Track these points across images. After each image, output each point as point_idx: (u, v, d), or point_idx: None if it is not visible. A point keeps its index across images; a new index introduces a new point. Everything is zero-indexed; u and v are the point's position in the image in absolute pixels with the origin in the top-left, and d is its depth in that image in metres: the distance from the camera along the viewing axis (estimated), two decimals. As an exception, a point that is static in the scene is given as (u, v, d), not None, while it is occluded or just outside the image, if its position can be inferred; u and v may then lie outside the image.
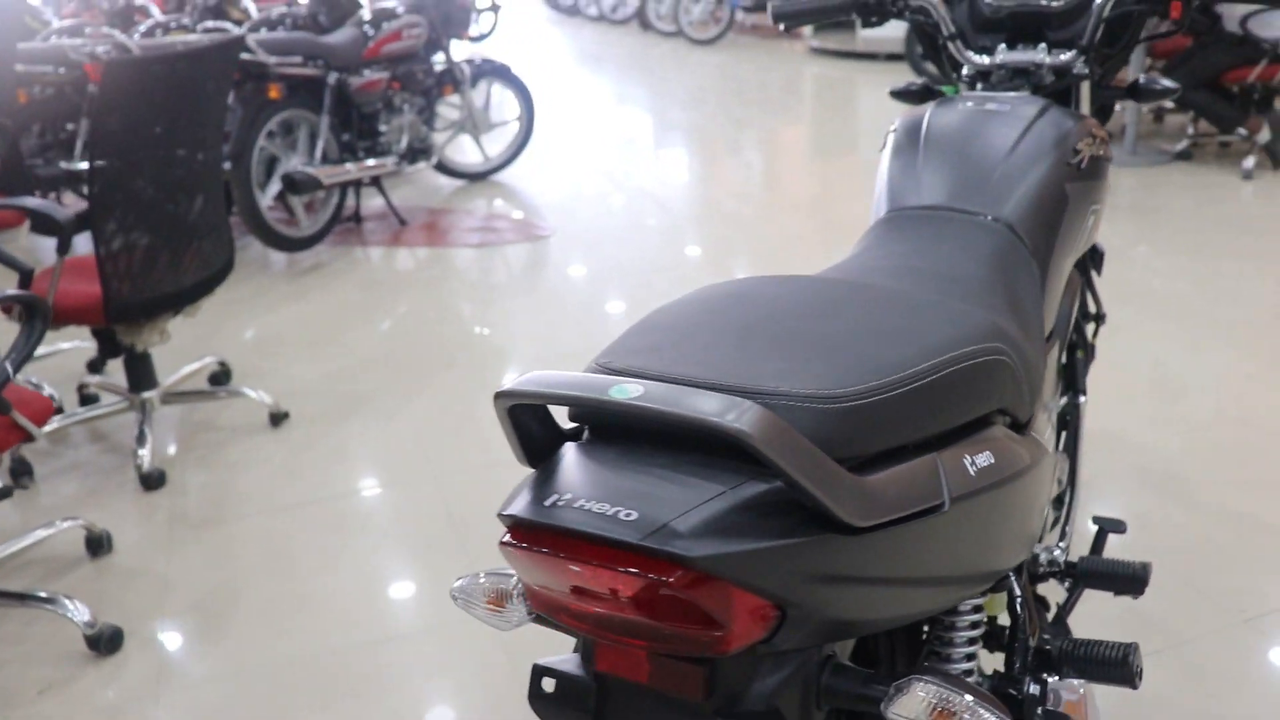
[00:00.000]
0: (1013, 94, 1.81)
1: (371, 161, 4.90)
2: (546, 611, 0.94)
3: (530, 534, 0.89)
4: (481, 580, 1.07)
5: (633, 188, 5.73)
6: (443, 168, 5.88)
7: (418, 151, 5.32)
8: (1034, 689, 1.30)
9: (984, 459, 1.06)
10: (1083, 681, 1.37)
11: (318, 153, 4.71)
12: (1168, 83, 1.99)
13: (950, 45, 1.98)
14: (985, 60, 1.96)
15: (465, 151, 6.16)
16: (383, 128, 5.09)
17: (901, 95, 2.22)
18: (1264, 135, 5.47)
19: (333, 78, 4.75)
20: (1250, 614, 2.26)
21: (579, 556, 0.85)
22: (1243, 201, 5.03)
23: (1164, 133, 6.45)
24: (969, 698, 0.90)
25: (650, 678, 0.94)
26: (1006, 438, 1.13)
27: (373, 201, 5.66)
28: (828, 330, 1.04)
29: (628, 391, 0.86)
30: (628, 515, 0.86)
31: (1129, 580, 1.47)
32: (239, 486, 2.92)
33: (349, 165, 4.76)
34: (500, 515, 0.92)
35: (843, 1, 2.00)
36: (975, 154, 1.63)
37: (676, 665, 0.92)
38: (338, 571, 2.52)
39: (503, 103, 6.35)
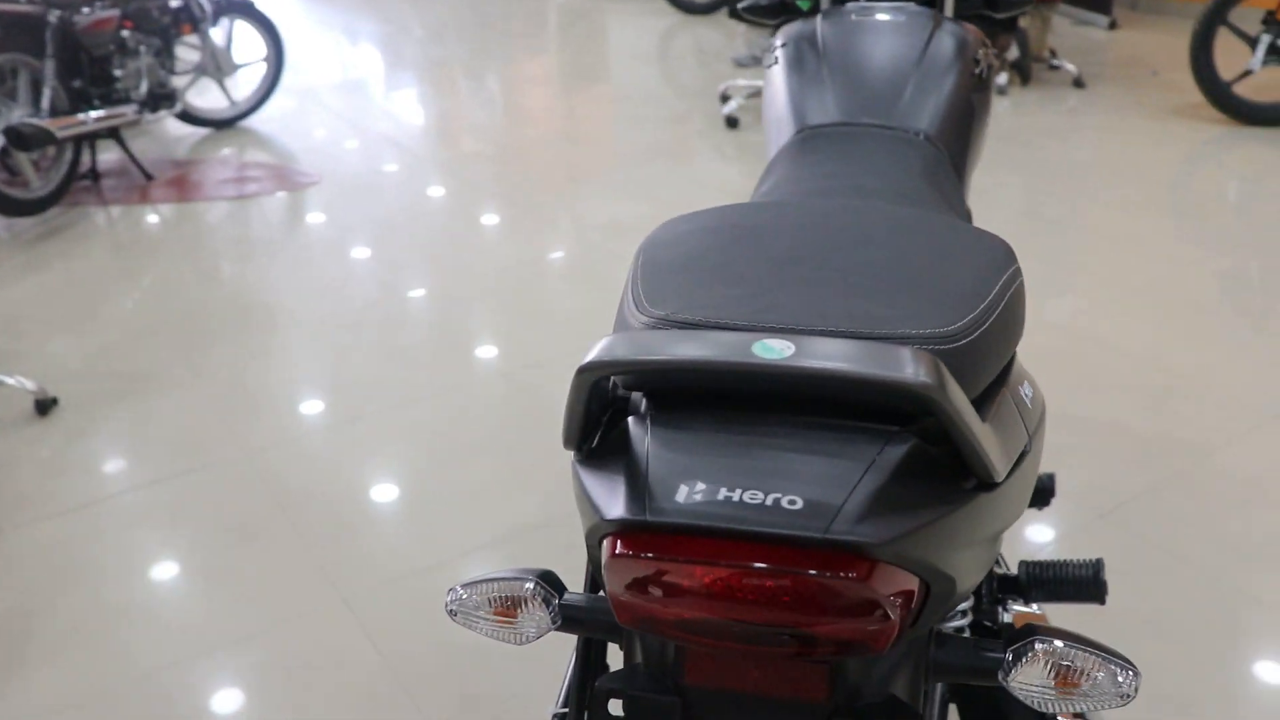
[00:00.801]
0: (898, 3, 1.75)
1: (107, 111, 4.37)
2: (642, 624, 0.77)
3: (653, 539, 0.73)
4: (485, 588, 0.88)
5: (395, 128, 5.41)
6: (186, 116, 5.34)
7: (159, 98, 4.79)
8: (1007, 617, 1.25)
9: (1027, 389, 0.97)
10: (1040, 606, 1.33)
11: (44, 103, 4.15)
12: None
13: None
14: None
15: (209, 97, 5.62)
16: (117, 72, 4.54)
17: (753, 11, 2.12)
18: (1013, 52, 5.73)
19: (54, 15, 4.18)
20: (1105, 509, 2.33)
21: (735, 558, 0.70)
22: (997, 115, 5.26)
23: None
24: (1093, 652, 0.80)
25: (760, 684, 0.80)
26: (1022, 365, 1.05)
27: (108, 155, 5.09)
28: (882, 260, 0.93)
29: (776, 350, 0.71)
30: (791, 503, 0.72)
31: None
32: (9, 490, 2.52)
33: (84, 115, 4.22)
34: (607, 521, 0.75)
35: None
36: (882, 67, 1.57)
37: (794, 666, 0.78)
38: (153, 575, 2.21)
39: (248, 42, 5.83)
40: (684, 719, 0.83)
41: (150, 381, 3.00)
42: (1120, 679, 0.80)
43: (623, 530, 0.74)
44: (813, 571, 0.70)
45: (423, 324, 3.26)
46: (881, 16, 1.69)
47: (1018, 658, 0.81)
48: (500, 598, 0.89)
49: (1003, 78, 5.66)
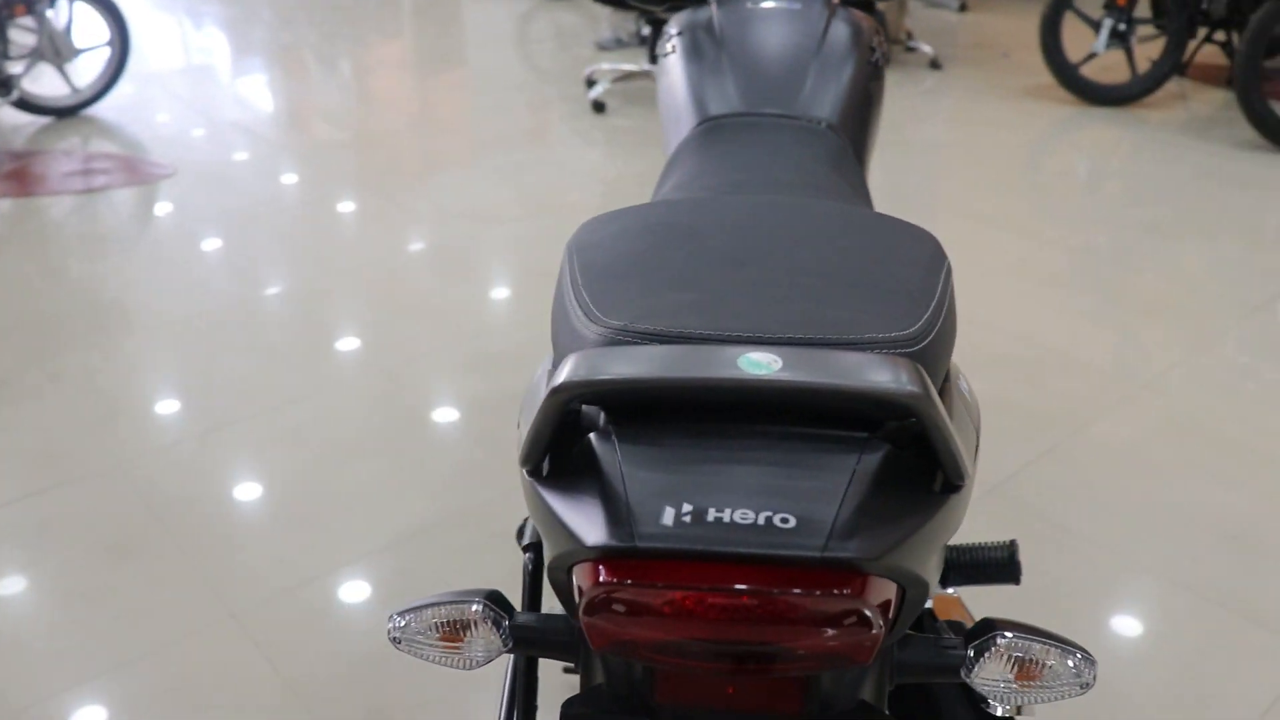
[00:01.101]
0: None
1: (-65, 100, 4.07)
2: (617, 648, 0.74)
3: (641, 566, 0.70)
4: (429, 613, 0.83)
5: (248, 116, 5.20)
6: (24, 104, 5.02)
7: (-8, 85, 4.49)
8: (929, 604, 1.26)
9: (965, 384, 0.97)
10: (955, 589, 1.35)
11: None
12: None
13: None
14: None
15: (48, 83, 5.30)
16: (-55, 58, 4.24)
17: None
18: (870, 34, 5.85)
19: None
20: (992, 484, 2.40)
21: (726, 581, 0.68)
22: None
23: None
24: (1051, 644, 0.80)
25: (733, 700, 0.78)
26: None
27: (-65, 149, 4.75)
28: (823, 259, 0.91)
29: (764, 365, 0.70)
30: (784, 521, 0.70)
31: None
32: None
33: (-91, 105, 3.92)
34: (588, 547, 0.71)
35: None
36: (782, 56, 1.57)
37: (769, 680, 0.76)
38: (20, 601, 2.07)
39: (90, 25, 5.52)
40: None
41: (2, 390, 2.81)
42: (1078, 668, 0.80)
43: (605, 557, 0.71)
44: (808, 591, 0.68)
45: (291, 321, 3.15)
46: (778, 4, 1.69)
47: (979, 654, 0.82)
48: (445, 622, 0.84)
49: (863, 60, 5.76)
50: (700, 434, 0.77)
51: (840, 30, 1.63)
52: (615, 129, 4.87)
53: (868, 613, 0.70)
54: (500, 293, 3.27)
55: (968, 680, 0.81)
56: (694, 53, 1.62)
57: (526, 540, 1.38)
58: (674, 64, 1.67)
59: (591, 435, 0.80)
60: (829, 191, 1.27)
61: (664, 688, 0.80)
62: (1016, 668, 0.80)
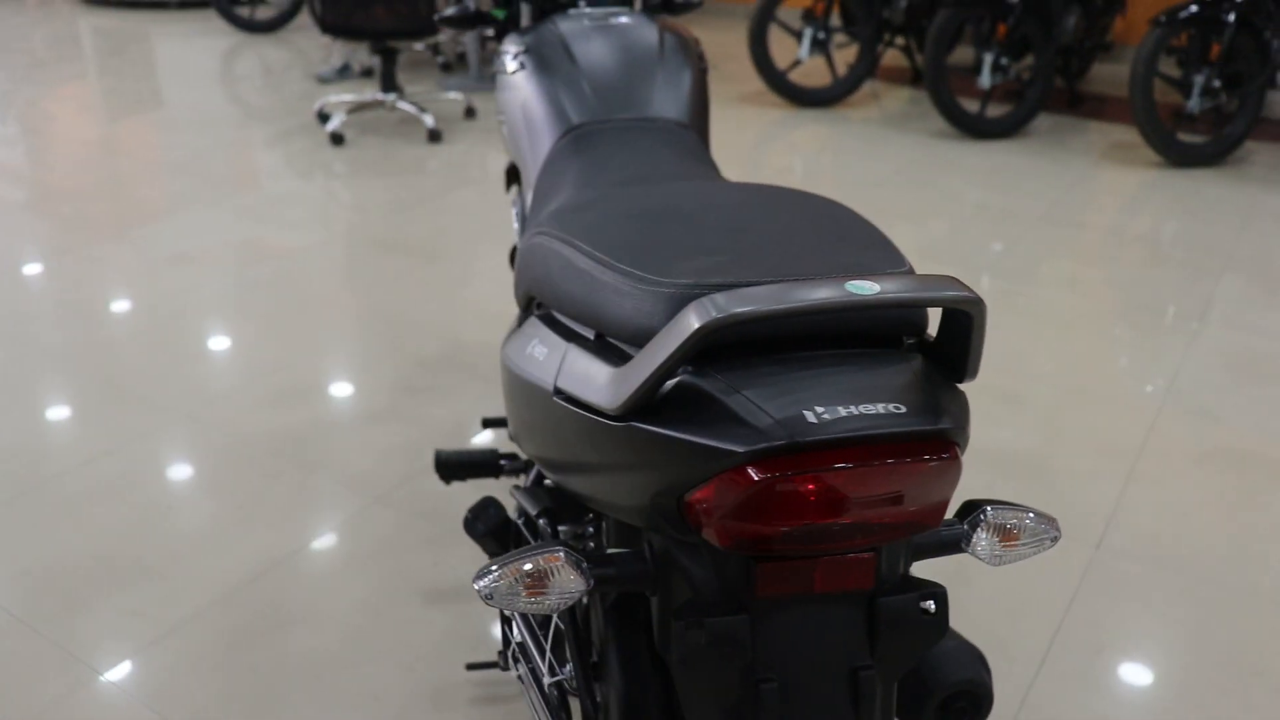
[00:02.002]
0: (614, 9, 1.89)
1: None
2: (746, 545, 0.85)
3: (802, 458, 0.81)
4: (514, 567, 0.91)
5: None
6: None
7: None
8: None
9: None
10: None
11: None
12: None
13: None
14: None
15: None
16: None
17: (454, 21, 2.16)
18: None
19: None
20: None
21: (873, 460, 0.81)
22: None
23: (486, 56, 6.84)
24: (1023, 510, 0.98)
25: (820, 583, 0.89)
26: None
27: None
28: (796, 224, 1.06)
29: (867, 288, 0.81)
30: (897, 409, 0.83)
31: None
32: None
33: None
34: (748, 451, 0.80)
35: None
36: (632, 66, 1.71)
37: (848, 560, 0.89)
38: None
39: None
40: (751, 634, 0.90)
41: None
42: (1045, 527, 0.99)
43: (760, 458, 0.80)
44: (936, 457, 0.83)
45: (73, 379, 2.94)
46: (616, 21, 1.83)
47: (973, 527, 1.00)
48: (532, 572, 0.92)
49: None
50: (785, 359, 0.89)
51: (673, 42, 1.79)
52: (359, 160, 4.81)
53: (953, 478, 0.85)
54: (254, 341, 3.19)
55: (970, 551, 0.98)
56: (547, 68, 1.72)
57: (487, 527, 1.43)
58: (524, 80, 1.75)
59: (682, 376, 0.88)
60: (706, 178, 1.42)
61: (764, 583, 0.89)
62: (1000, 534, 0.98)
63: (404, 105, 5.12)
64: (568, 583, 0.93)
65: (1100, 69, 6.96)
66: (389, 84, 5.17)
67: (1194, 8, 4.77)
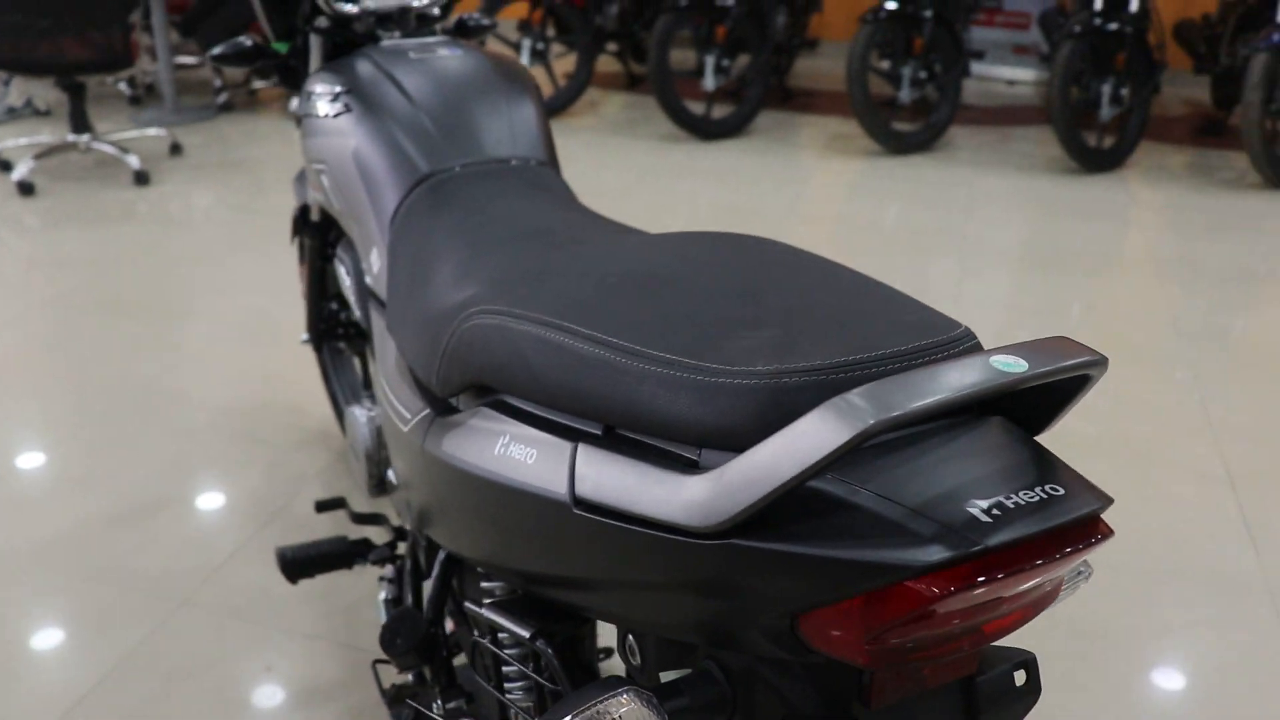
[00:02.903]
0: (430, 39, 1.74)
1: None
2: (893, 659, 0.74)
3: (976, 566, 0.70)
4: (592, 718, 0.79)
5: None
6: None
7: None
8: None
9: None
10: None
11: None
12: (485, 20, 2.05)
13: None
14: (353, 8, 1.80)
15: None
16: None
17: (229, 58, 1.92)
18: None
19: None
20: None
21: (1046, 555, 0.72)
22: (294, 139, 5.21)
23: (194, 88, 6.31)
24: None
25: (931, 680, 0.81)
26: None
27: None
28: (812, 284, 0.96)
29: (1013, 364, 0.73)
30: (1054, 490, 0.75)
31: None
32: None
33: None
34: (921, 565, 0.69)
35: None
36: (477, 102, 1.57)
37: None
38: None
39: None
40: None
41: None
42: (1081, 566, 0.96)
43: (937, 569, 0.69)
44: (1094, 540, 0.74)
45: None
46: (441, 53, 1.66)
47: None
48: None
49: (294, 103, 5.61)
50: (909, 440, 0.78)
51: (507, 73, 1.64)
52: (56, 211, 4.27)
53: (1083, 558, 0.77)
54: None
55: None
56: (380, 109, 1.54)
57: (410, 643, 1.24)
58: (353, 124, 1.56)
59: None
60: (594, 222, 1.29)
61: (879, 691, 0.79)
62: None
63: (101, 146, 4.61)
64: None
65: (801, 64, 7.28)
66: (80, 123, 4.64)
67: (894, 4, 5.04)
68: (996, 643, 0.87)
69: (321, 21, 1.82)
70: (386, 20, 1.84)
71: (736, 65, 5.59)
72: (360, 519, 1.78)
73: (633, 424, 0.84)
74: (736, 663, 0.85)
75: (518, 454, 0.94)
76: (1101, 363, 0.78)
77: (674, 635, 0.87)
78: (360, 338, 2.10)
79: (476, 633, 1.22)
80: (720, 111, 5.68)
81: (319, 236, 2.14)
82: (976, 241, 4.09)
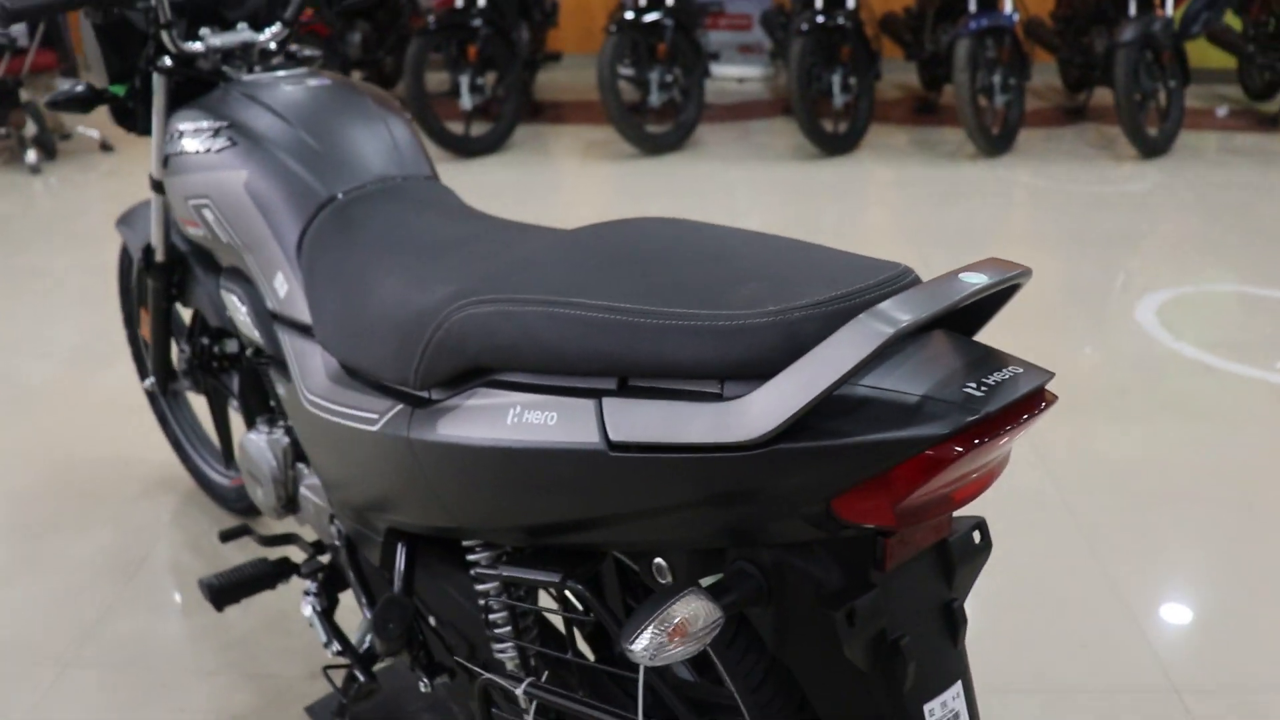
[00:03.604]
0: (297, 71, 1.81)
1: None
2: (917, 517, 0.91)
3: (977, 430, 0.87)
4: (662, 621, 0.92)
5: None
6: None
7: None
8: None
9: None
10: None
11: None
12: (310, 52, 2.11)
13: (164, 33, 1.78)
14: (199, 46, 1.82)
15: None
16: None
17: (65, 103, 1.89)
18: (30, 128, 5.38)
19: None
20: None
21: (1021, 418, 0.90)
22: (40, 192, 4.95)
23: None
24: None
25: (921, 541, 0.98)
26: None
27: None
28: (762, 247, 1.11)
29: (982, 277, 0.92)
30: (1017, 370, 0.93)
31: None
32: None
33: None
34: (933, 436, 0.85)
35: None
36: (355, 126, 1.65)
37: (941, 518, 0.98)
38: None
39: None
40: (886, 602, 0.96)
41: None
42: None
43: (956, 434, 0.85)
44: (1048, 404, 0.93)
45: None
46: (310, 83, 1.72)
47: None
48: (675, 623, 0.92)
49: (31, 155, 5.29)
50: (893, 353, 0.95)
51: (376, 96, 1.73)
52: None
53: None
54: None
55: None
56: (268, 140, 1.59)
57: (402, 627, 1.31)
58: (241, 156, 1.59)
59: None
60: (513, 225, 1.41)
61: (891, 555, 0.95)
62: None
63: None
64: (708, 617, 0.93)
65: (541, 78, 7.47)
66: None
67: (633, 14, 5.31)
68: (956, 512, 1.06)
69: (165, 61, 1.82)
70: (230, 57, 1.87)
71: (491, 83, 5.71)
72: (270, 541, 1.80)
73: (652, 372, 0.97)
74: (765, 557, 0.98)
75: (535, 419, 1.04)
76: (1028, 274, 0.97)
77: (708, 544, 1.00)
78: (232, 369, 2.08)
79: (471, 597, 1.31)
80: (478, 129, 5.78)
81: (164, 277, 2.12)
82: (740, 224, 4.39)
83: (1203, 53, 7.04)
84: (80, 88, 1.90)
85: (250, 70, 1.88)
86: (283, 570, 1.74)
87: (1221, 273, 3.91)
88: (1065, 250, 4.14)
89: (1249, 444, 2.70)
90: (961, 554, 1.03)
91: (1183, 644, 2.01)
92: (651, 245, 1.11)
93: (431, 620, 1.42)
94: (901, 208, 4.69)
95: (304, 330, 1.50)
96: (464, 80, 5.43)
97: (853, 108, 5.60)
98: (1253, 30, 6.45)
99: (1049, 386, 2.49)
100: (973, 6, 5.57)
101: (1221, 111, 6.74)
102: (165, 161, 1.76)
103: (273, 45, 1.90)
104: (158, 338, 2.22)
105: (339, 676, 1.86)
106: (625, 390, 1.00)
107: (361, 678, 1.57)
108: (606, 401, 1.00)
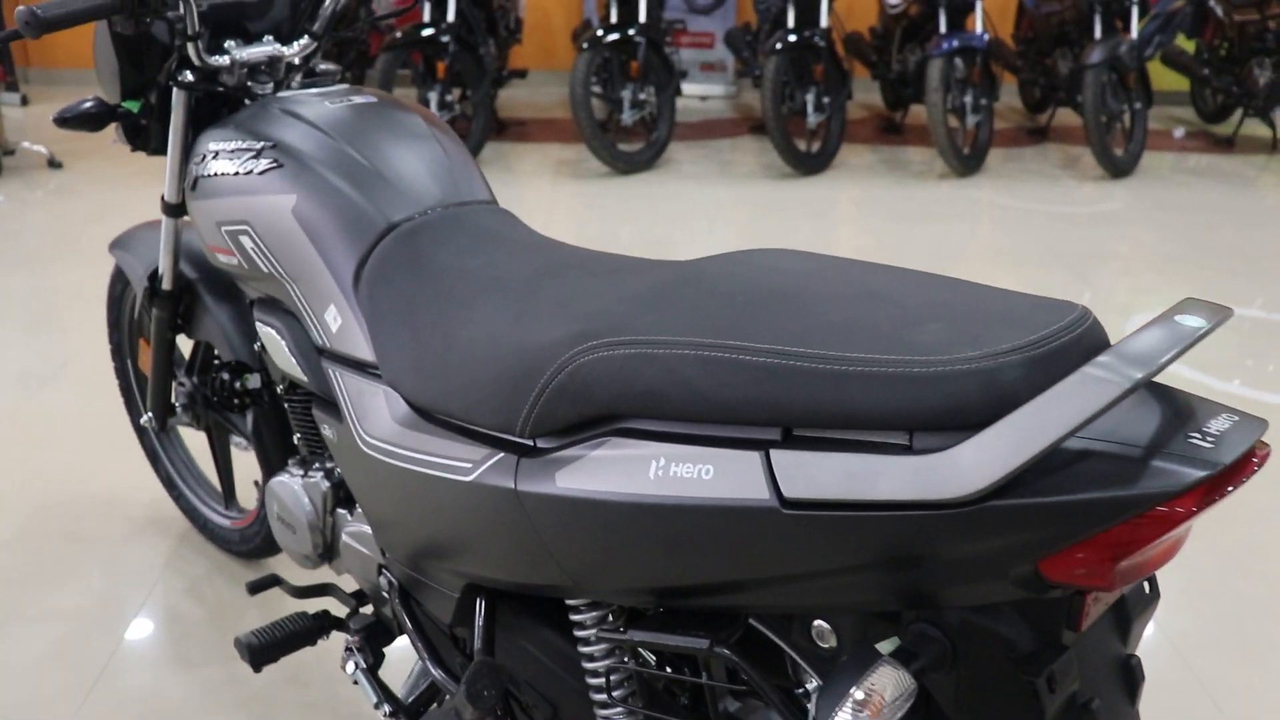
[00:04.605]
0: (337, 88, 1.69)
1: None
2: (1127, 580, 0.84)
3: (1214, 484, 0.80)
4: (861, 697, 0.86)
5: None
6: None
7: None
8: None
9: None
10: None
11: None
12: (331, 67, 1.98)
13: (190, 45, 1.65)
14: (224, 60, 1.70)
15: None
16: None
17: (75, 121, 1.75)
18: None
19: None
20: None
21: (1248, 468, 0.83)
22: (23, 208, 4.74)
23: None
24: None
25: (1110, 596, 0.92)
26: None
27: None
28: (896, 283, 1.04)
29: (1196, 322, 0.86)
30: (1233, 417, 0.86)
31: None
32: None
33: None
34: (1175, 490, 0.78)
35: (110, 1, 1.55)
36: (419, 150, 1.55)
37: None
38: None
39: None
40: (1078, 665, 0.90)
41: None
42: None
43: (1178, 495, 0.79)
44: (1267, 454, 0.87)
45: None
46: (355, 101, 1.60)
47: None
48: (877, 693, 0.86)
49: (-23, 172, 5.07)
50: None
51: (426, 116, 1.62)
52: None
53: None
54: None
55: None
56: (319, 162, 1.46)
57: (497, 691, 1.21)
58: (290, 179, 1.47)
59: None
60: (607, 255, 1.32)
61: (1086, 614, 0.88)
62: None
63: None
64: (901, 688, 0.87)
65: (502, 95, 7.36)
66: None
67: (610, 34, 5.24)
68: None
69: (187, 75, 1.70)
70: (256, 71, 1.75)
71: (456, 99, 5.60)
72: (303, 592, 1.68)
73: (827, 422, 0.88)
74: (949, 618, 0.91)
75: (685, 472, 0.95)
76: (1230, 315, 0.91)
77: (882, 607, 0.92)
78: (247, 406, 1.94)
79: (566, 658, 1.21)
80: (444, 146, 5.66)
81: (170, 307, 1.99)
82: (724, 247, 4.33)
83: (1156, 75, 7.15)
84: (89, 104, 1.76)
85: (277, 86, 1.76)
86: (324, 625, 1.62)
87: (1201, 292, 3.94)
88: (1048, 270, 4.14)
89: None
90: (1135, 607, 0.97)
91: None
92: (786, 281, 1.03)
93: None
94: (881, 226, 4.66)
95: (361, 368, 1.39)
96: (433, 96, 5.31)
97: (825, 127, 5.58)
98: (1206, 54, 6.57)
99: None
100: (943, 27, 5.59)
101: (1178, 133, 6.85)
102: (193, 184, 1.63)
103: (296, 60, 1.78)
104: (159, 371, 2.08)
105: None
106: (792, 441, 0.91)
107: None
108: (775, 454, 0.91)
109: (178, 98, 1.72)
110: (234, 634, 2.08)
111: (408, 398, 1.28)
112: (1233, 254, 4.43)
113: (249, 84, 1.74)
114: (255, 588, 1.70)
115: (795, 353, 0.90)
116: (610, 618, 1.17)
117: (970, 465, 0.81)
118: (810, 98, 5.41)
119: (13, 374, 3.17)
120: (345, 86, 1.68)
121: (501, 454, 1.13)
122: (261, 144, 1.52)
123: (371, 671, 1.56)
